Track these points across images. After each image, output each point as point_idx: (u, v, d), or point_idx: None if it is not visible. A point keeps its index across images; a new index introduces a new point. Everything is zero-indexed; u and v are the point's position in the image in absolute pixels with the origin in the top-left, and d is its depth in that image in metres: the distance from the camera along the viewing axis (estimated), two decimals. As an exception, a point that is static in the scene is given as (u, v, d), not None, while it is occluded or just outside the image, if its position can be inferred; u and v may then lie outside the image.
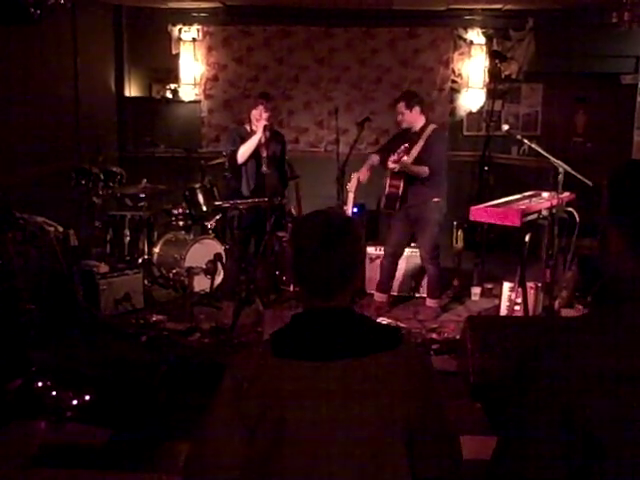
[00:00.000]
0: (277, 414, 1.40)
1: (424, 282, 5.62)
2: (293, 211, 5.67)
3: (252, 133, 4.99)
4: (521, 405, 1.10)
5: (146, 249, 5.88)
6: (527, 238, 4.65)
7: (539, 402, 1.06)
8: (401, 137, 5.11)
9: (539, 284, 4.86)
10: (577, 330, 1.10)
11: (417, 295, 5.68)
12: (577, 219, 4.56)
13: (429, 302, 5.31)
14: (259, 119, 4.95)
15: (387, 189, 5.01)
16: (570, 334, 1.10)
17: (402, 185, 4.94)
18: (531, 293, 4.80)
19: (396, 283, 5.64)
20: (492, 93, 7.28)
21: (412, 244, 5.46)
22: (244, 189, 4.99)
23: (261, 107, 4.96)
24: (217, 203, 5.48)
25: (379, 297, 5.32)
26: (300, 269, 1.52)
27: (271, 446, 1.40)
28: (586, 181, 4.57)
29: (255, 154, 4.96)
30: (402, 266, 5.58)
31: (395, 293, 5.59)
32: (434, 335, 4.76)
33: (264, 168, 4.88)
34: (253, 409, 1.41)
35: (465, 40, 7.36)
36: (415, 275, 5.71)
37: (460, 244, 6.78)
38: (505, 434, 1.12)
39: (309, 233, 1.52)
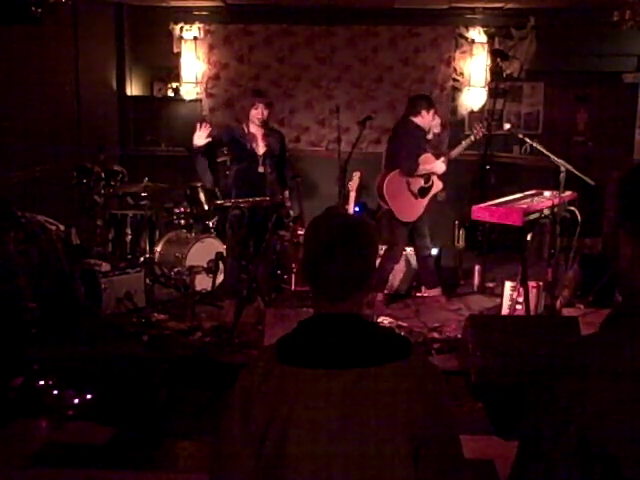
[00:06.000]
0: (281, 424, 1.39)
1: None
2: (292, 212, 5.67)
3: (249, 134, 5.00)
4: (538, 425, 1.09)
5: (148, 248, 5.88)
6: (529, 237, 4.65)
7: (556, 423, 1.05)
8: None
9: (541, 283, 4.86)
10: (593, 350, 1.09)
11: (418, 294, 5.70)
12: (579, 218, 4.56)
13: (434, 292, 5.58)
14: (260, 117, 4.96)
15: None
16: (586, 354, 1.09)
17: None
18: (533, 292, 4.80)
19: (396, 282, 5.69)
20: (493, 92, 7.29)
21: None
22: (207, 181, 5.07)
23: (261, 106, 4.96)
24: (218, 202, 5.48)
25: (375, 296, 5.34)
26: (314, 269, 1.50)
27: (274, 456, 1.39)
28: (588, 180, 4.57)
29: (251, 153, 4.97)
30: (402, 265, 5.65)
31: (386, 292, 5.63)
32: (435, 334, 4.76)
33: (261, 168, 4.89)
34: (260, 418, 1.40)
35: (466, 39, 7.35)
36: (415, 275, 5.74)
37: (461, 243, 6.78)
38: (522, 454, 1.11)
39: (326, 233, 1.50)
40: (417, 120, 5.24)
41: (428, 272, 5.55)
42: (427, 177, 5.31)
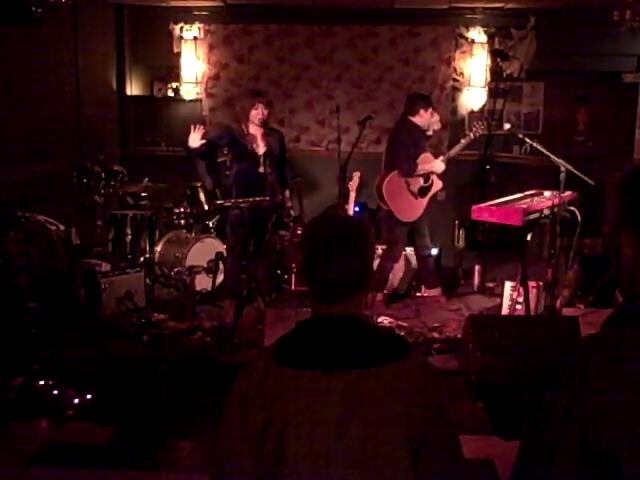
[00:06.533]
0: (279, 424, 1.39)
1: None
2: (292, 212, 5.68)
3: (249, 135, 5.02)
4: (538, 425, 1.09)
5: (148, 248, 5.89)
6: (529, 237, 4.65)
7: (556, 423, 1.06)
8: None
9: (541, 283, 4.86)
10: (594, 350, 1.09)
11: (418, 294, 5.71)
12: (579, 218, 4.56)
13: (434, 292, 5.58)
14: (260, 117, 4.97)
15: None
16: (586, 354, 1.09)
17: None
18: (533, 292, 4.80)
19: (396, 282, 5.70)
20: (493, 92, 7.29)
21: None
22: (207, 183, 5.09)
23: (261, 106, 4.98)
24: (218, 202, 5.49)
25: (375, 296, 5.33)
26: (311, 271, 1.50)
27: (273, 456, 1.39)
28: (588, 180, 4.57)
29: (251, 153, 4.98)
30: (401, 265, 5.66)
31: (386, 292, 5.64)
32: (435, 334, 4.76)
33: (261, 168, 4.90)
34: (259, 419, 1.40)
35: (466, 39, 7.35)
36: (415, 274, 5.74)
37: (461, 243, 6.78)
38: (523, 454, 1.12)
39: (323, 235, 1.50)
40: (415, 120, 5.24)
41: (428, 272, 5.56)
42: (427, 176, 5.32)
